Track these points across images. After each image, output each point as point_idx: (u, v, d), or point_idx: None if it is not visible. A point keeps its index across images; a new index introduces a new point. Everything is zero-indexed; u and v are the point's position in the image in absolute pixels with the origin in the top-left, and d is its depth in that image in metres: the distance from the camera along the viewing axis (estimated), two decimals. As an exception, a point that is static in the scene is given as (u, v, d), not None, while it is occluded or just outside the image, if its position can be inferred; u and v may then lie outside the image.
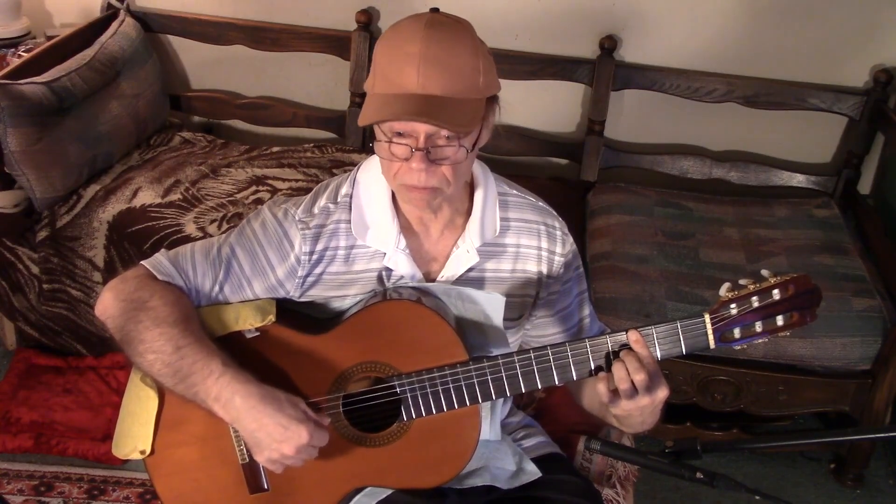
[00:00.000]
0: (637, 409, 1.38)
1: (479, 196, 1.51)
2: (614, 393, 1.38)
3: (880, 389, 2.47)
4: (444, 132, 1.34)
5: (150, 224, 2.67)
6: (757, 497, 1.36)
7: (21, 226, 2.74)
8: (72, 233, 2.70)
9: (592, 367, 1.41)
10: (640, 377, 1.36)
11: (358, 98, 3.21)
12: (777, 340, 2.44)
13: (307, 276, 1.49)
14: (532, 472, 1.57)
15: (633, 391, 1.37)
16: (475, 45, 1.37)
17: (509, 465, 1.57)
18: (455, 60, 1.33)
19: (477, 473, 1.54)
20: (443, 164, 1.36)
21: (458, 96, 1.32)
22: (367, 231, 1.48)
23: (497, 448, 1.60)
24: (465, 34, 1.37)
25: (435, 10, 1.40)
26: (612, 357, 1.40)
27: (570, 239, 1.60)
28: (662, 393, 1.38)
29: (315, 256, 1.48)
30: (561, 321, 1.64)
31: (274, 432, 1.37)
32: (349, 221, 1.48)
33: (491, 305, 1.48)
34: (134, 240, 2.65)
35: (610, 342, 1.40)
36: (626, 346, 1.40)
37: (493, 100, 1.43)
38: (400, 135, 1.35)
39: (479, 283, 1.52)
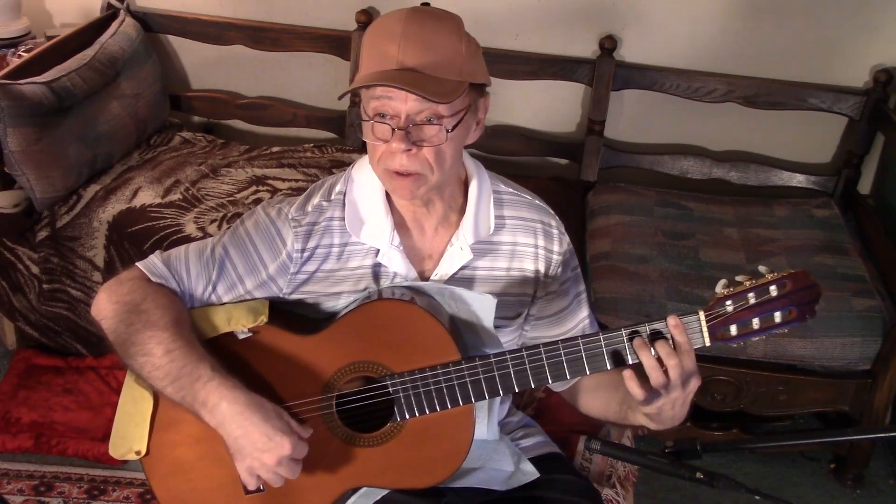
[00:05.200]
0: (669, 402, 1.37)
1: (472, 193, 1.51)
2: (646, 389, 1.35)
3: (880, 389, 2.47)
4: (425, 113, 1.34)
5: (150, 224, 2.67)
6: (757, 497, 1.35)
7: (21, 226, 2.74)
8: (72, 233, 2.70)
9: (628, 360, 1.38)
10: (673, 361, 1.34)
11: (357, 98, 3.20)
12: (777, 340, 2.45)
13: (298, 272, 1.49)
14: (530, 472, 1.56)
15: (667, 383, 1.34)
16: (459, 30, 1.38)
17: (507, 465, 1.57)
18: (435, 38, 1.35)
19: (474, 474, 1.53)
20: (424, 146, 1.36)
21: (437, 73, 1.33)
22: (362, 227, 1.48)
23: (495, 448, 1.59)
24: (450, 20, 1.39)
25: (426, 5, 1.42)
26: (626, 353, 1.38)
27: (567, 238, 1.59)
28: (695, 383, 1.37)
29: (307, 254, 1.48)
30: (560, 323, 1.63)
31: (258, 441, 1.37)
32: (343, 218, 1.49)
33: (482, 306, 1.47)
34: (134, 240, 2.65)
35: (604, 341, 1.39)
36: (619, 346, 1.39)
37: (480, 92, 1.43)
38: (382, 116, 1.36)
39: (473, 281, 1.52)
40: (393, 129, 1.35)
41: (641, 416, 1.46)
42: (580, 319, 1.65)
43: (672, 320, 1.35)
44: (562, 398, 1.71)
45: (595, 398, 1.61)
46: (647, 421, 1.45)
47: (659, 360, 1.35)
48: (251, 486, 1.43)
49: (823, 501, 2.61)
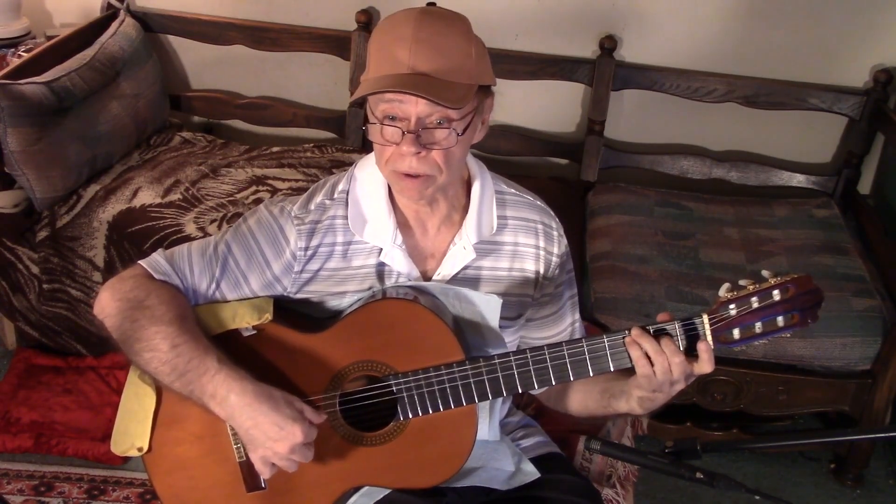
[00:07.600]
0: (667, 391, 1.40)
1: (475, 192, 1.51)
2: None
3: (880, 389, 2.47)
4: (435, 116, 1.35)
5: (150, 224, 2.67)
6: (757, 497, 1.35)
7: (21, 226, 2.74)
8: (72, 233, 2.70)
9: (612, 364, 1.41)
10: (677, 359, 1.36)
11: (359, 99, 3.20)
12: (777, 340, 2.43)
13: (302, 271, 1.49)
14: (530, 472, 1.57)
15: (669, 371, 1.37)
16: (468, 32, 1.38)
17: (508, 465, 1.57)
18: (445, 41, 1.34)
19: (475, 473, 1.53)
20: (434, 149, 1.37)
21: (448, 77, 1.33)
22: (365, 226, 1.48)
23: (496, 448, 1.59)
24: (459, 22, 1.39)
25: (431, 5, 1.41)
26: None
27: (565, 240, 1.60)
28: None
29: (310, 252, 1.48)
30: (551, 324, 1.64)
31: (269, 431, 1.37)
32: (346, 217, 1.49)
33: (487, 307, 1.48)
34: (134, 240, 2.65)
35: (608, 342, 1.40)
36: (622, 347, 1.39)
37: (487, 92, 1.43)
38: (392, 118, 1.36)
39: (475, 281, 1.52)
40: (403, 132, 1.35)
41: (625, 404, 1.47)
42: (570, 323, 1.65)
43: (635, 331, 1.38)
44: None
45: (574, 393, 1.62)
46: (633, 407, 1.46)
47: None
48: (266, 475, 1.44)
49: (823, 501, 2.61)
